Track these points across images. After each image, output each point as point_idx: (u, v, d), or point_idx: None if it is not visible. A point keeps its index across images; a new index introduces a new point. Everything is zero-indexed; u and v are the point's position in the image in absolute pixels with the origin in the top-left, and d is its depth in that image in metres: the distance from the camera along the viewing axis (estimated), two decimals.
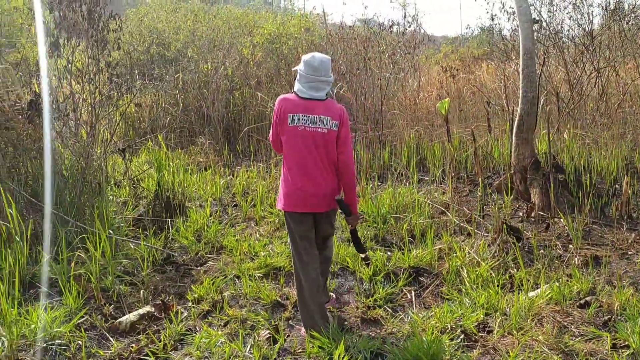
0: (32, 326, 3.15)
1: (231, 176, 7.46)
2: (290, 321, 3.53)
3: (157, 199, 5.94)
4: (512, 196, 5.44)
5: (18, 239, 3.77)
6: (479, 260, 3.87)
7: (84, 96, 5.25)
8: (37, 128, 4.70)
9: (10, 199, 3.95)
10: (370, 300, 3.67)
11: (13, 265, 3.58)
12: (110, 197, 5.80)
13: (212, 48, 11.28)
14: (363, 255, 3.62)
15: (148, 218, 5.51)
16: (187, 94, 10.40)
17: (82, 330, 3.26)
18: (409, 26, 9.84)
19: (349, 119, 3.24)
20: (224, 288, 3.85)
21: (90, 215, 4.84)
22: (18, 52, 10.03)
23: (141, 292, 3.76)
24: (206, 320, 3.52)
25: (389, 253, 4.37)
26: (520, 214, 5.15)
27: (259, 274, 4.00)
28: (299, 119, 3.07)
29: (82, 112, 5.30)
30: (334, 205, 3.24)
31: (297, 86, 3.16)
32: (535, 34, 5.57)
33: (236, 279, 4.00)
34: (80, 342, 3.16)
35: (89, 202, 4.94)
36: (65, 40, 5.43)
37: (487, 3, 9.45)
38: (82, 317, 3.41)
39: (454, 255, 4.03)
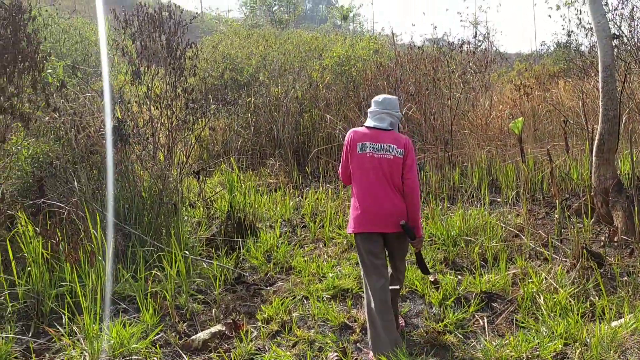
0: (112, 341, 3.31)
1: (300, 197, 7.56)
2: (358, 344, 3.51)
3: (229, 220, 6.12)
4: (592, 219, 5.16)
5: (100, 258, 3.99)
6: (557, 286, 3.69)
7: (162, 121, 5.52)
8: (120, 152, 4.98)
9: (96, 220, 4.20)
10: (439, 326, 3.58)
11: (96, 282, 3.79)
12: (185, 218, 6.04)
13: (282, 72, 11.57)
14: (431, 278, 3.60)
15: (220, 238, 5.67)
16: (259, 117, 10.70)
17: (157, 347, 3.39)
18: (480, 44, 9.64)
19: (414, 149, 3.48)
20: (293, 309, 3.88)
21: (167, 235, 5.05)
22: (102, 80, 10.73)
23: (213, 311, 3.86)
24: (275, 340, 3.56)
25: (459, 277, 4.25)
26: (602, 238, 4.88)
27: (327, 295, 4.00)
28: (367, 147, 3.38)
29: (160, 136, 5.57)
30: (400, 229, 3.34)
31: (366, 122, 3.55)
32: (615, 49, 5.31)
33: (304, 300, 4.02)
34: (155, 358, 3.28)
35: (166, 223, 5.16)
36: (146, 68, 5.76)
37: (563, 19, 9.09)
38: (157, 334, 3.55)
39: (530, 281, 3.86)
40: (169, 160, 5.34)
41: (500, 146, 8.45)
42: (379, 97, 3.56)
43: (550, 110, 9.79)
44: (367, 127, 3.48)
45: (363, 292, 3.49)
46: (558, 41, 19.25)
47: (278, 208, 6.83)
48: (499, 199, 6.56)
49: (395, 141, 3.38)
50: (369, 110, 3.59)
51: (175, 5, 6.31)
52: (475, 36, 10.03)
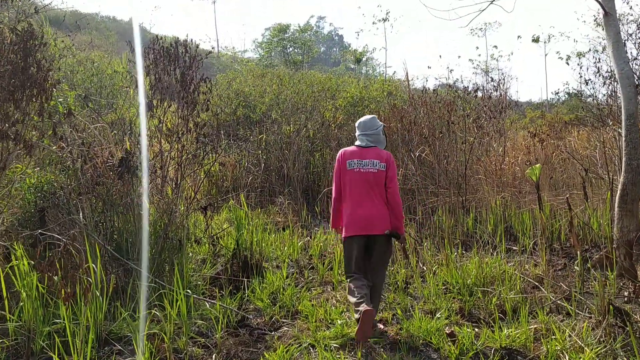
0: None
1: (309, 237, 7.36)
2: None
3: (234, 258, 5.91)
4: (614, 273, 4.91)
5: (98, 294, 3.79)
6: (583, 345, 3.43)
7: (172, 154, 5.41)
8: (126, 184, 4.85)
9: (97, 253, 4.02)
10: None
11: (89, 321, 3.58)
12: (190, 254, 5.84)
13: (295, 111, 11.55)
14: (447, 331, 3.84)
15: (225, 277, 5.46)
16: (269, 154, 10.61)
17: None
18: (495, 90, 9.57)
19: (394, 162, 4.09)
20: (298, 357, 3.63)
21: (170, 272, 4.86)
22: (115, 112, 10.74)
23: (213, 357, 3.62)
24: None
25: (476, 329, 4.00)
26: (626, 293, 4.61)
27: (334, 344, 3.76)
28: (355, 164, 4.05)
29: (169, 169, 5.44)
30: (383, 231, 3.96)
31: (356, 142, 4.26)
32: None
33: (311, 348, 3.78)
34: None
35: (169, 259, 4.97)
36: (159, 102, 5.68)
37: (580, 67, 9.05)
38: None
39: (553, 337, 3.60)
40: (176, 195, 5.19)
41: (515, 192, 8.27)
42: (360, 121, 4.24)
43: (565, 159, 9.62)
44: (355, 146, 4.18)
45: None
46: (570, 91, 19.27)
47: (285, 248, 6.62)
48: (515, 247, 6.32)
49: (378, 157, 4.03)
50: (357, 131, 4.27)
51: (192, 40, 6.29)
52: (491, 80, 9.96)
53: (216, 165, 10.31)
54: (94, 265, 3.82)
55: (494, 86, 9.78)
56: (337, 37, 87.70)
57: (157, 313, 3.77)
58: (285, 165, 10.19)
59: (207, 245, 6.30)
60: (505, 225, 7.18)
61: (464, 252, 6.31)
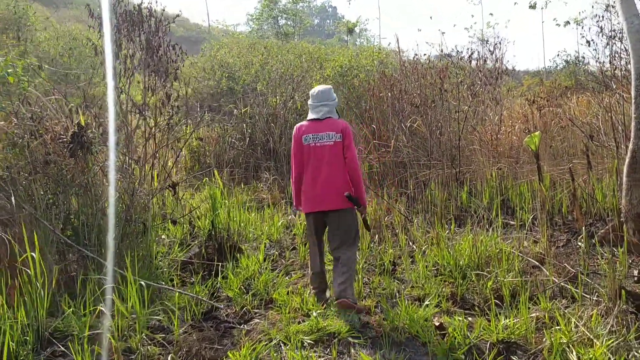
0: None
1: (294, 215, 6.89)
2: None
3: (209, 240, 5.46)
4: (623, 249, 4.46)
5: (39, 287, 3.32)
6: (592, 337, 2.98)
7: (143, 129, 4.89)
8: (79, 162, 4.34)
9: (43, 241, 3.55)
10: None
11: (29, 318, 3.12)
12: (163, 237, 5.37)
13: (281, 82, 10.97)
14: (436, 322, 3.46)
15: (197, 261, 5.00)
16: (255, 128, 10.07)
17: None
18: (491, 53, 9.01)
19: (351, 130, 3.95)
20: (266, 356, 3.18)
21: (133, 259, 4.39)
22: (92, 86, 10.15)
23: (169, 357, 3.17)
24: None
25: (470, 319, 3.55)
26: (636, 272, 4.17)
27: (309, 340, 3.30)
28: (310, 138, 3.91)
29: (141, 146, 4.93)
30: (344, 206, 3.88)
31: (308, 115, 4.08)
32: None
33: (282, 344, 3.33)
34: None
35: (132, 244, 4.49)
36: (122, 71, 5.16)
37: (582, 27, 8.47)
38: None
39: (557, 328, 3.16)
40: (142, 173, 4.69)
41: (512, 163, 7.78)
42: (314, 91, 4.02)
43: (564, 127, 9.11)
44: (308, 120, 4.00)
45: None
46: (567, 58, 18.66)
47: (267, 227, 6.16)
48: (512, 222, 5.87)
49: (332, 128, 3.88)
50: (308, 102, 4.08)
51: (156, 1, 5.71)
52: (486, 43, 9.38)
53: (195, 140, 9.80)
54: (32, 254, 3.34)
55: (490, 50, 9.19)
56: (330, 9, 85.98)
57: (102, 309, 3.29)
58: (272, 139, 9.66)
59: (182, 226, 5.84)
60: (502, 198, 6.72)
61: (457, 228, 5.85)
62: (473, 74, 9.51)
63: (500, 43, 10.14)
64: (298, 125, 4.01)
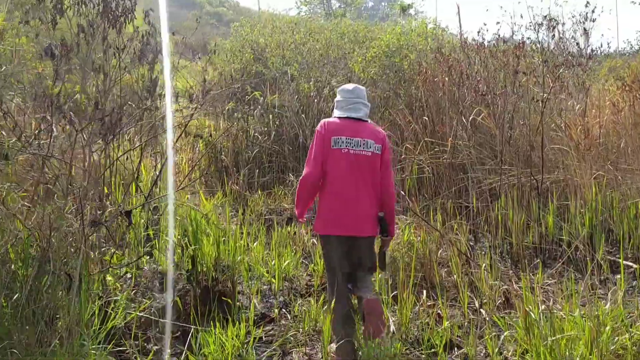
0: None
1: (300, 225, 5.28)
2: None
3: (190, 284, 3.93)
4: None
5: None
6: None
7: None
8: None
9: None
10: None
11: None
12: (109, 288, 3.86)
13: (316, 64, 9.31)
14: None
15: (162, 320, 3.46)
16: (283, 119, 8.46)
17: None
18: (582, 24, 7.01)
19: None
20: None
21: (49, 327, 2.90)
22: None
23: None
24: None
25: None
26: None
27: None
28: (343, 142, 3.09)
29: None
30: (374, 232, 3.17)
31: (335, 113, 3.24)
32: None
33: None
34: None
35: (50, 306, 2.98)
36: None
37: None
38: None
39: None
40: (64, 198, 3.15)
41: (609, 168, 5.83)
42: (349, 86, 3.33)
43: None
44: (339, 117, 3.21)
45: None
46: None
47: (275, 259, 4.53)
48: (633, 264, 3.99)
49: (373, 136, 3.16)
50: (336, 99, 3.33)
51: None
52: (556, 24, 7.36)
53: (214, 134, 8.32)
54: None
55: (580, 20, 7.17)
56: None
57: None
58: (302, 134, 8.01)
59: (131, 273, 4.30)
60: (603, 221, 4.84)
61: (547, 277, 4.05)
62: (554, 54, 7.55)
63: (591, 16, 8.05)
64: (326, 120, 3.19)
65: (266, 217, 6.32)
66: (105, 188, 4.05)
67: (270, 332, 3.46)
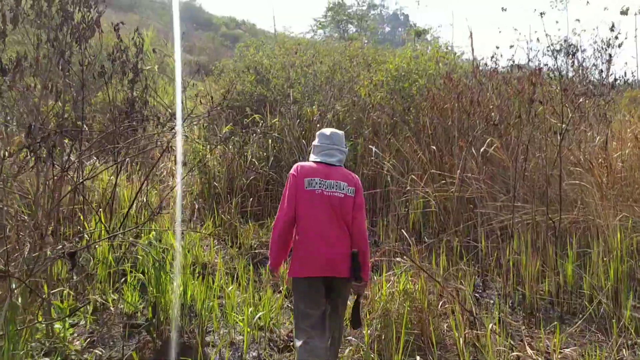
0: None
1: (274, 281, 4.72)
2: None
3: (150, 334, 3.42)
4: None
5: None
6: None
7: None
8: None
9: None
10: None
11: None
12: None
13: (320, 86, 8.88)
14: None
15: None
16: (283, 144, 8.00)
17: None
18: (604, 53, 6.49)
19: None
20: None
21: None
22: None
23: None
24: None
25: None
26: None
27: None
28: (316, 183, 3.09)
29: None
30: (349, 275, 3.02)
31: (311, 157, 3.29)
32: None
33: None
34: None
35: None
36: None
37: None
38: None
39: None
40: None
41: (632, 207, 5.23)
42: (327, 131, 3.33)
43: None
44: (314, 162, 3.23)
45: None
46: None
47: (252, 306, 3.99)
48: None
49: (345, 178, 3.18)
50: (314, 143, 3.35)
51: None
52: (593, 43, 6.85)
53: (213, 160, 7.86)
54: None
55: (602, 47, 6.65)
56: (402, 17, 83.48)
57: None
58: (302, 160, 7.51)
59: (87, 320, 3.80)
60: (630, 270, 4.23)
61: (566, 339, 3.47)
62: (573, 83, 7.02)
63: (609, 43, 7.53)
64: (300, 164, 3.20)
65: (256, 250, 5.83)
66: (60, 219, 3.59)
67: None
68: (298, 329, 2.96)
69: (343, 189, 3.10)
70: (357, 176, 3.29)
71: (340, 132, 3.35)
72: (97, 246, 4.19)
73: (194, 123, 7.86)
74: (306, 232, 3.02)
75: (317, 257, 3.01)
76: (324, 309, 3.02)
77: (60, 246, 2.92)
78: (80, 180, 3.53)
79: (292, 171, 3.18)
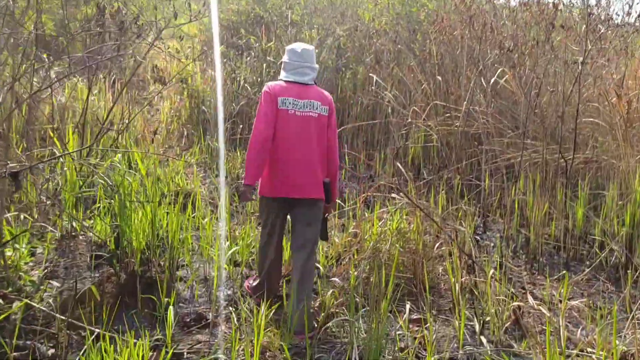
0: None
1: (243, 199, 4.39)
2: None
3: (112, 266, 3.10)
4: None
5: None
6: None
7: None
8: None
9: None
10: None
11: None
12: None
13: (320, 10, 8.25)
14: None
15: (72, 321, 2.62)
16: (277, 69, 7.48)
17: None
18: None
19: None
20: None
21: None
22: None
23: None
24: None
25: None
26: None
27: None
28: (289, 103, 3.00)
29: None
30: (320, 196, 3.02)
31: (281, 74, 3.14)
32: None
33: None
34: None
35: None
36: None
37: None
38: None
39: None
40: None
41: None
42: (297, 47, 3.14)
43: None
44: (285, 81, 3.06)
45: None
46: None
47: (228, 234, 3.66)
48: None
49: (319, 97, 3.08)
50: (283, 59, 3.17)
51: None
52: None
53: (198, 82, 7.36)
54: None
55: None
56: None
57: None
58: None
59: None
60: None
61: (571, 285, 3.15)
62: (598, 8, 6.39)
63: None
64: (270, 84, 3.05)
65: (242, 180, 5.46)
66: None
67: (197, 347, 2.59)
68: (263, 251, 3.09)
69: (317, 109, 3.03)
70: (330, 96, 3.19)
71: (311, 48, 3.20)
72: (65, 169, 3.84)
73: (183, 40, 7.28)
74: (279, 153, 2.97)
75: (287, 177, 2.98)
76: (282, 231, 3.12)
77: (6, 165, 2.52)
78: (30, 93, 3.09)
79: (265, 89, 3.03)
